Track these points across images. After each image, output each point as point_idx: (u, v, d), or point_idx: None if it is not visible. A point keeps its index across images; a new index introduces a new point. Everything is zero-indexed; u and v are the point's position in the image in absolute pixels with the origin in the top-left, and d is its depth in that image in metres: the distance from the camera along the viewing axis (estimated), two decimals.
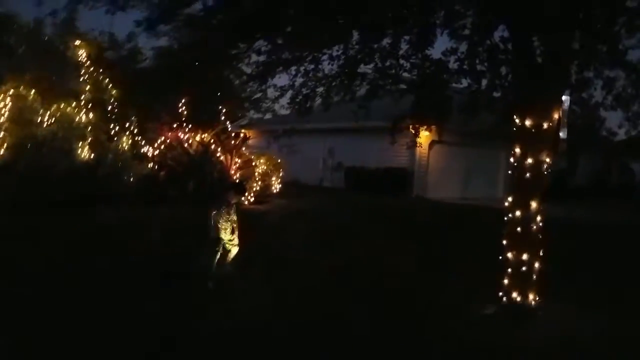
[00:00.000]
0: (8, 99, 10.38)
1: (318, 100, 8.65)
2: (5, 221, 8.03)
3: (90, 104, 11.37)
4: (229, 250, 5.85)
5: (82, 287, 5.22)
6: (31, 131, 10.41)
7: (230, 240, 5.72)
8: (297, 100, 8.36)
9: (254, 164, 13.54)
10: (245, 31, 5.14)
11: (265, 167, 13.89)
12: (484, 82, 8.18)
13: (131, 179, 11.50)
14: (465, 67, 8.09)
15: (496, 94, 8.41)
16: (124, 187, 11.21)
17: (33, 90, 10.53)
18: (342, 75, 8.27)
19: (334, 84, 8.33)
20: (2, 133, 10.29)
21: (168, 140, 12.30)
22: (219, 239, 5.61)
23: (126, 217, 9.21)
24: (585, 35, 5.48)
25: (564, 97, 8.52)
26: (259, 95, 8.48)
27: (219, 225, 5.54)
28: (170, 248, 7.13)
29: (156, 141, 12.10)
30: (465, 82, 8.87)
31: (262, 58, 7.08)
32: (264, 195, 13.54)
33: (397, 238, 9.18)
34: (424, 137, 17.52)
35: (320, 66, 8.26)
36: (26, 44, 11.46)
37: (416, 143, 17.13)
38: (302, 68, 7.91)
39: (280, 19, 4.91)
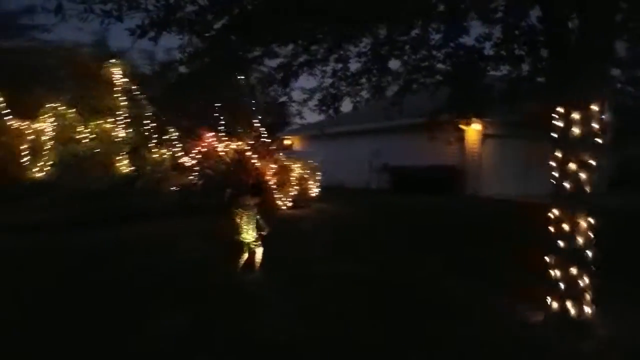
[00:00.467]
0: (50, 118, 10.89)
1: (347, 100, 8.46)
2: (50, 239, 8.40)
3: (128, 119, 11.71)
4: (254, 252, 5.98)
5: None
6: (72, 148, 10.84)
7: (254, 241, 5.84)
8: (325, 101, 8.19)
9: (290, 169, 13.44)
10: (253, 35, 5.04)
11: (301, 172, 13.77)
12: (524, 67, 7.71)
13: (170, 190, 11.71)
14: (502, 52, 7.64)
15: (539, 80, 7.88)
16: (163, 198, 11.45)
17: (73, 110, 10.98)
18: (370, 72, 8.02)
19: (362, 81, 8.09)
20: (46, 151, 10.80)
21: (205, 150, 12.45)
22: (242, 241, 5.82)
23: (162, 229, 9.36)
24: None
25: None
26: (284, 99, 8.32)
27: (240, 227, 5.73)
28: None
29: (193, 151, 12.27)
30: (504, 69, 8.41)
31: (281, 60, 6.94)
32: (302, 199, 13.43)
33: (447, 241, 8.66)
34: (475, 131, 16.93)
35: (347, 65, 8.08)
36: (65, 66, 11.97)
37: (461, 138, 16.71)
38: (327, 68, 7.75)
39: (287, 20, 4.74)
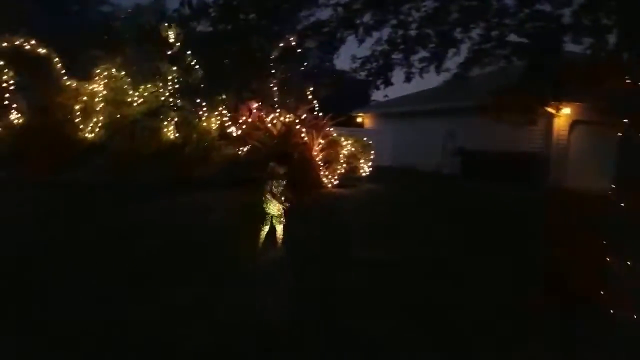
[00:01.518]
0: (103, 80, 11.17)
1: (398, 71, 7.83)
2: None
3: (178, 85, 11.79)
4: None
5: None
6: (122, 112, 11.08)
7: (277, 216, 5.69)
8: (373, 70, 7.63)
9: (340, 145, 13.01)
10: None
11: (352, 149, 13.32)
12: (611, 40, 6.71)
13: (216, 160, 11.73)
14: (584, 21, 6.71)
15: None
16: (209, 168, 11.49)
17: (123, 72, 11.19)
18: (427, 39, 7.35)
19: (417, 49, 7.44)
20: (97, 113, 11.14)
21: (251, 121, 12.33)
22: (266, 213, 5.68)
23: (201, 199, 9.36)
24: None
25: None
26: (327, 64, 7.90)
27: (266, 199, 5.61)
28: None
29: (241, 121, 12.19)
30: (585, 42, 7.42)
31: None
32: (349, 178, 13.02)
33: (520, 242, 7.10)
34: (564, 116, 15.46)
35: (403, 31, 7.47)
36: (123, 29, 12.19)
37: (546, 122, 15.33)
38: (380, 33, 7.19)
39: None
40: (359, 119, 26.14)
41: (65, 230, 6.79)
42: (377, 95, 28.42)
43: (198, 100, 12.05)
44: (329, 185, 12.25)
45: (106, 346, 3.45)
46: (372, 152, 14.47)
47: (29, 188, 9.57)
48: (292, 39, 8.41)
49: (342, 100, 29.27)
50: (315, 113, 13.37)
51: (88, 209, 8.29)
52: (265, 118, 12.33)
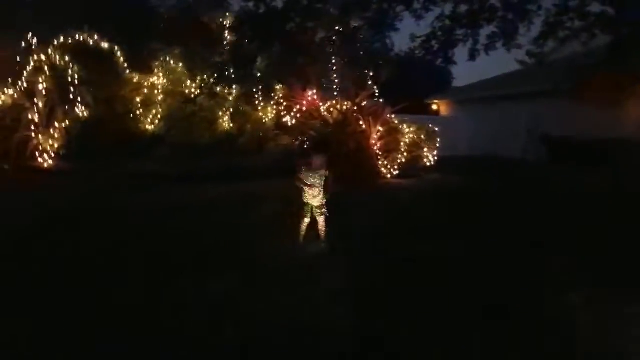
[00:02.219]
0: (162, 72, 11.44)
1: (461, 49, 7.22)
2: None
3: (234, 75, 11.80)
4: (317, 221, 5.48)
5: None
6: (180, 103, 11.29)
7: (317, 207, 5.32)
8: (434, 48, 7.09)
9: (401, 133, 12.44)
10: None
11: (414, 137, 12.69)
12: None
13: (271, 150, 11.67)
14: None
15: None
16: (263, 158, 11.46)
17: (180, 64, 11.38)
18: (493, 11, 6.72)
19: (481, 23, 6.82)
20: (157, 106, 11.43)
21: (308, 109, 12.10)
22: (305, 204, 5.34)
23: (251, 189, 9.26)
24: None
25: None
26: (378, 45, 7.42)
27: (303, 190, 5.26)
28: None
29: (296, 110, 12.01)
30: None
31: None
32: (411, 168, 12.42)
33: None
34: None
35: (468, 5, 6.89)
36: (180, 20, 12.40)
37: (623, 102, 13.71)
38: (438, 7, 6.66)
39: None
40: (434, 107, 25.15)
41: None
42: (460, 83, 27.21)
43: (254, 90, 12.05)
44: (388, 176, 11.76)
45: None
46: (438, 139, 13.78)
47: (100, 179, 10.06)
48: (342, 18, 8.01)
49: (420, 87, 28.37)
50: (377, 99, 12.89)
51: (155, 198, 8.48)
52: (321, 106, 12.06)
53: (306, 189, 5.23)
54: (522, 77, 18.90)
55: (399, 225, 6.83)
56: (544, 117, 16.93)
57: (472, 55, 7.10)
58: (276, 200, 7.77)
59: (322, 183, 5.22)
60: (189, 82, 11.59)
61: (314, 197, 5.28)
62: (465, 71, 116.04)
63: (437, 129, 13.65)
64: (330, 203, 5.50)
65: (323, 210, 5.38)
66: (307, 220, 5.46)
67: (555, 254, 5.37)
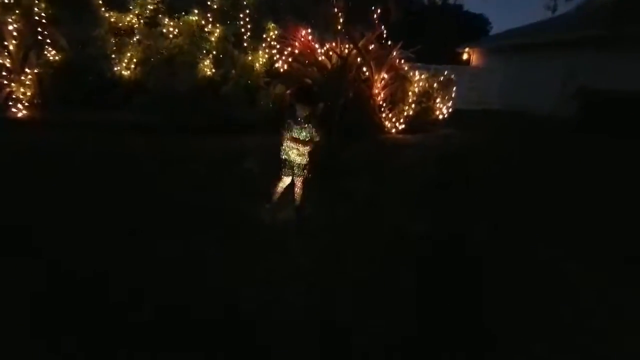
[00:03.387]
0: (136, 9, 10.38)
1: None
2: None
3: (218, 12, 10.65)
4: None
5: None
6: (157, 45, 10.28)
7: (298, 166, 4.60)
8: None
9: (410, 81, 11.13)
10: None
11: (425, 85, 11.38)
12: None
13: (261, 100, 10.61)
14: None
15: None
16: (253, 109, 10.45)
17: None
18: None
19: None
20: (133, 48, 10.46)
21: (303, 53, 10.89)
22: (285, 162, 4.62)
23: (228, 144, 8.38)
24: None
25: None
26: None
27: (284, 145, 4.56)
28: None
29: (287, 53, 10.82)
30: None
31: None
32: (421, 122, 11.21)
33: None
34: None
35: None
36: None
37: None
38: None
39: None
40: (465, 56, 23.56)
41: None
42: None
43: (242, 30, 10.88)
44: (393, 130, 10.62)
45: None
46: (454, 89, 12.44)
47: (77, 128, 9.37)
48: None
49: (452, 34, 26.56)
50: (385, 43, 11.51)
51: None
52: (318, 49, 10.82)
53: (289, 142, 4.46)
54: (559, 24, 17.12)
55: (389, 192, 5.89)
56: (582, 69, 15.30)
57: None
58: (258, 158, 6.95)
59: (308, 138, 4.42)
60: (166, 20, 10.49)
61: (298, 154, 4.50)
62: (505, 21, 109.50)
63: (452, 77, 12.22)
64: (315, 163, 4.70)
65: (303, 172, 4.61)
66: (286, 180, 4.72)
67: None
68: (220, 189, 5.65)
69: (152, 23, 10.52)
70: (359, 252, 4.04)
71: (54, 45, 10.61)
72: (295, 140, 4.40)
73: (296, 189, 4.71)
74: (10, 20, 10.46)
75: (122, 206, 4.90)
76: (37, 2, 10.26)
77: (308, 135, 4.40)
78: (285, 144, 4.53)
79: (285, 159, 4.59)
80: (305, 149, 4.50)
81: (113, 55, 10.63)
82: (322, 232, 4.47)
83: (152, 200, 5.14)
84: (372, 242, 4.28)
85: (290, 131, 4.40)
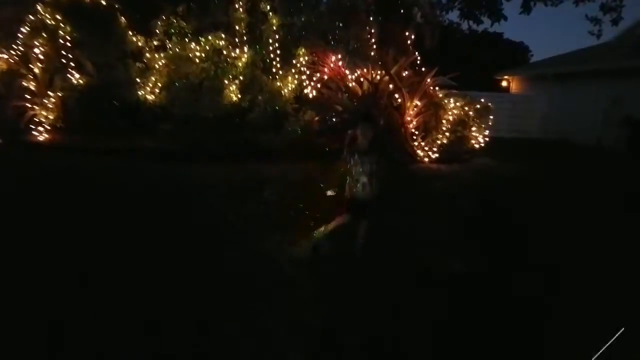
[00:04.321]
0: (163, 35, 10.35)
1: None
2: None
3: (246, 36, 10.52)
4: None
5: None
6: (182, 69, 10.17)
7: (362, 204, 4.11)
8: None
9: (444, 108, 10.70)
10: None
11: (460, 112, 10.93)
12: None
13: (289, 127, 10.33)
14: None
15: None
16: (281, 135, 10.16)
17: (184, 24, 10.22)
18: None
19: None
20: (159, 73, 10.38)
21: (334, 79, 10.62)
22: (349, 200, 4.16)
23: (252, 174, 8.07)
24: None
25: None
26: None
27: (347, 180, 4.15)
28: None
29: (316, 79, 10.59)
30: None
31: None
32: (456, 151, 10.73)
33: None
34: None
35: None
36: None
37: None
38: None
39: None
40: (504, 83, 23.31)
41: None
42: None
43: (272, 56, 10.72)
44: (426, 159, 10.17)
45: None
46: (491, 117, 11.96)
47: (95, 153, 9.23)
48: None
49: (492, 63, 26.47)
50: (418, 69, 11.18)
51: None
52: (348, 75, 10.55)
53: (354, 178, 4.07)
54: (603, 52, 16.77)
55: (424, 228, 5.44)
56: (628, 98, 14.85)
57: (527, 6, 5.41)
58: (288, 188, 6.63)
59: (371, 169, 4.01)
60: (193, 45, 10.39)
61: (356, 187, 4.07)
62: (546, 49, 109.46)
63: (490, 105, 11.75)
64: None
65: (367, 210, 4.17)
66: (345, 218, 4.25)
67: None
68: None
69: (178, 47, 10.41)
70: None
71: (78, 69, 10.62)
72: (360, 173, 3.99)
73: (360, 230, 4.22)
74: (36, 43, 10.55)
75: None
76: (62, 25, 10.32)
77: (371, 164, 3.99)
78: (347, 179, 4.13)
79: (349, 198, 4.16)
80: (369, 181, 4.03)
81: (138, 79, 10.56)
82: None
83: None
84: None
85: (352, 165, 4.02)
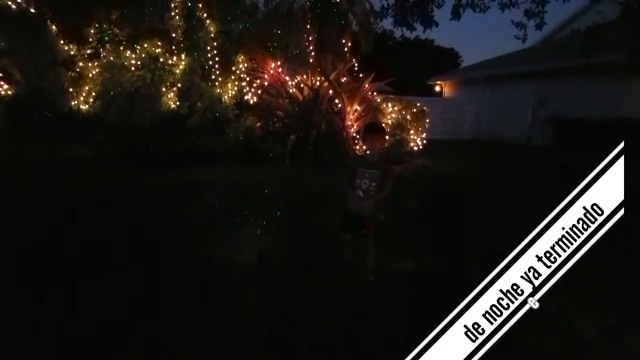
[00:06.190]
0: (95, 42, 10.28)
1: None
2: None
3: (183, 44, 10.64)
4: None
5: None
6: (118, 78, 10.12)
7: (365, 217, 3.78)
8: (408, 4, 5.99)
9: (382, 113, 11.29)
10: None
11: (398, 116, 11.57)
12: None
13: (230, 133, 10.51)
14: None
15: None
16: (221, 141, 10.33)
17: (118, 31, 10.20)
18: None
19: None
20: (92, 81, 10.28)
21: (274, 85, 10.94)
22: (347, 213, 3.86)
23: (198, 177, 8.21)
24: None
25: None
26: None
27: (349, 192, 3.80)
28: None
29: (256, 86, 10.87)
30: None
31: None
32: (396, 153, 11.31)
33: None
34: None
35: None
36: None
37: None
38: None
39: None
40: (437, 88, 24.61)
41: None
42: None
43: (211, 62, 10.89)
44: None
45: None
46: (427, 121, 12.72)
47: (34, 165, 9.01)
48: None
49: (424, 69, 27.88)
50: (357, 76, 11.72)
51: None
52: (288, 81, 10.90)
53: (360, 200, 3.76)
54: (529, 55, 18.17)
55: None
56: (553, 98, 16.26)
57: (457, 12, 5.96)
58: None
59: (377, 184, 3.71)
60: (128, 53, 10.38)
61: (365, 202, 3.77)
62: (475, 54, 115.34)
63: (425, 109, 12.50)
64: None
65: (373, 235, 3.87)
66: (347, 238, 4.06)
67: None
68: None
69: (112, 55, 10.35)
70: None
71: (6, 78, 10.31)
72: (366, 185, 3.68)
73: (369, 249, 3.90)
74: None
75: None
76: None
77: (377, 178, 3.66)
78: (352, 202, 3.79)
79: (348, 210, 3.85)
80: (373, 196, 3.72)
81: (71, 89, 10.40)
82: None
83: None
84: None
85: (355, 176, 3.70)
